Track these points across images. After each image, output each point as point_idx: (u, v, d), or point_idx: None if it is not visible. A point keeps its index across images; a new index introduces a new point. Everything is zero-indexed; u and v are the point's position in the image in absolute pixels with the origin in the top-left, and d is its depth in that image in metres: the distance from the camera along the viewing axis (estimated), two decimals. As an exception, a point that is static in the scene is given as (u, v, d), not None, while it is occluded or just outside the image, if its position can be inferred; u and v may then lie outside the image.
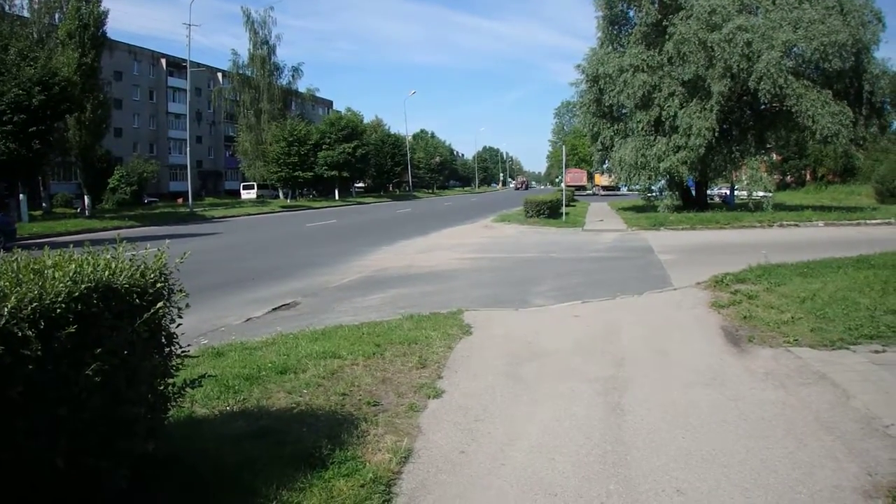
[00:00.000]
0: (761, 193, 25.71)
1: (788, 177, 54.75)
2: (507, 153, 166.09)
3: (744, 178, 25.82)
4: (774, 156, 40.62)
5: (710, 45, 22.46)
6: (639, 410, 4.27)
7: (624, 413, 4.24)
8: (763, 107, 24.91)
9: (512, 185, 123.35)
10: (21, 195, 27.92)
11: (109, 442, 2.66)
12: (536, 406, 4.42)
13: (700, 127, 22.91)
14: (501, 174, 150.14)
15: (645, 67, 24.49)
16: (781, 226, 20.63)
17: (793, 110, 22.32)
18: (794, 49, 22.79)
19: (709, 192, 33.28)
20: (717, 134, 23.27)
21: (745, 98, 24.68)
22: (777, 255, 10.85)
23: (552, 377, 5.07)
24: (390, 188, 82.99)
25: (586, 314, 7.55)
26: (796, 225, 20.72)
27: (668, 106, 24.03)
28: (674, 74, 24.21)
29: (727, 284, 8.69)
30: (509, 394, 4.69)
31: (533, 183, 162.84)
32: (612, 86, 25.39)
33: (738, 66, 22.01)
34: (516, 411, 4.33)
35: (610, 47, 27.72)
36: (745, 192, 26.90)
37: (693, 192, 30.35)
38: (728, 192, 34.46)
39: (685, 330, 6.63)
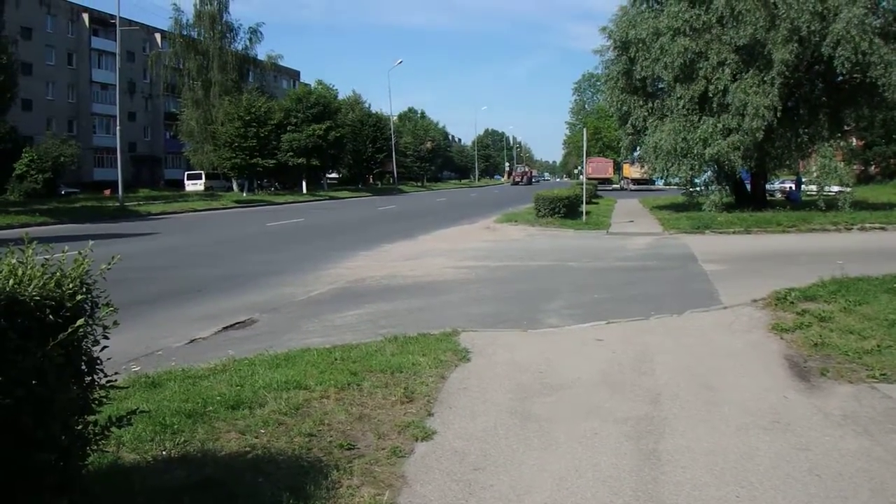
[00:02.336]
0: (836, 188, 25.73)
1: (873, 167, 54.61)
2: (514, 138, 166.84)
3: (813, 169, 25.83)
4: (854, 141, 40.62)
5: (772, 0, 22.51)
6: (680, 460, 4.27)
7: (661, 463, 4.24)
8: (840, 79, 24.95)
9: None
10: None
11: (8, 499, 2.63)
12: (550, 452, 4.42)
13: (757, 105, 22.94)
14: (507, 164, 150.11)
15: (688, 30, 24.48)
16: (863, 229, 20.72)
17: (879, 83, 22.33)
18: (883, 4, 22.71)
19: (768, 186, 33.43)
20: (779, 113, 23.33)
21: (816, 68, 24.78)
22: (857, 266, 10.87)
23: (570, 416, 5.07)
24: (370, 180, 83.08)
25: (612, 338, 7.56)
26: (883, 228, 20.78)
27: (717, 78, 24.09)
28: (724, 39, 24.20)
29: (792, 303, 8.69)
30: (516, 436, 4.69)
31: (545, 175, 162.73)
32: (645, 53, 25.48)
33: (808, 27, 22.03)
34: (525, 459, 4.32)
35: (644, 5, 27.91)
36: (814, 187, 26.97)
37: (748, 187, 30.52)
38: (793, 187, 34.62)
39: (738, 359, 6.64)
